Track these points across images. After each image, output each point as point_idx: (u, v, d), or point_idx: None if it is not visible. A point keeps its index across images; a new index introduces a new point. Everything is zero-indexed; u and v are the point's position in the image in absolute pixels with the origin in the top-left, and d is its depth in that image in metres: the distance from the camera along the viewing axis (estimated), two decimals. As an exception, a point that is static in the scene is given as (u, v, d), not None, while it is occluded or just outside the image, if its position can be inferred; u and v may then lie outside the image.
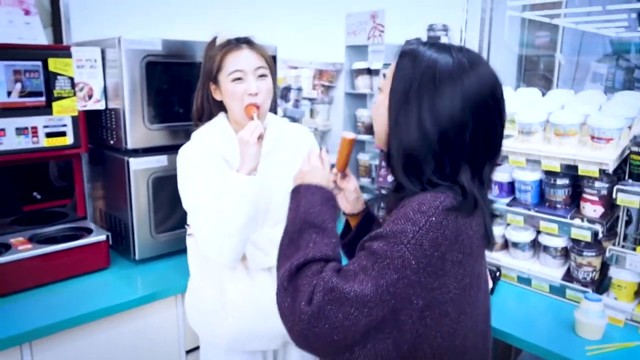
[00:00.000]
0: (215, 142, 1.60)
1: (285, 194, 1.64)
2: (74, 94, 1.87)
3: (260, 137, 1.42)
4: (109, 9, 2.33)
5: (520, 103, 1.97)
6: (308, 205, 1.04)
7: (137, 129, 1.90)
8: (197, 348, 1.87)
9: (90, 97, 1.92)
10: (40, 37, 1.94)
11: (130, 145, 1.89)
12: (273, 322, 1.59)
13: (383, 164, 2.24)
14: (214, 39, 1.60)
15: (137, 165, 1.90)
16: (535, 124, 1.83)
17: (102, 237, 1.91)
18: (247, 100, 1.51)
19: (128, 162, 1.89)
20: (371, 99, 2.44)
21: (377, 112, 1.05)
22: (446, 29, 2.20)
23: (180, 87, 2.01)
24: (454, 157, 0.94)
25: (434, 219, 0.87)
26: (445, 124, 0.92)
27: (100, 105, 1.94)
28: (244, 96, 1.51)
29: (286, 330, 0.93)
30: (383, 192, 2.15)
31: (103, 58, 1.93)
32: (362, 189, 2.52)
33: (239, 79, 1.51)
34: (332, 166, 1.28)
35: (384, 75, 1.06)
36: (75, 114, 1.89)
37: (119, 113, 1.89)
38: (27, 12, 1.94)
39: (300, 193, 1.10)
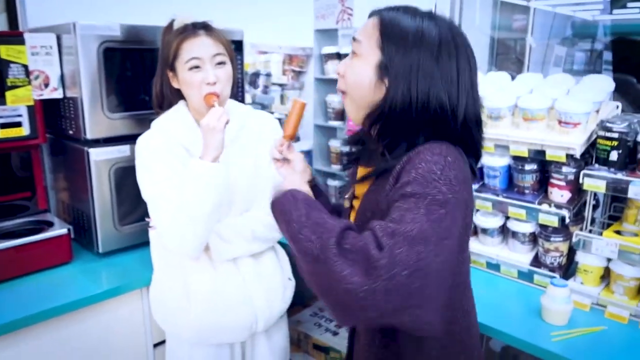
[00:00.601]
0: (175, 130, 1.55)
1: (248, 183, 1.62)
2: (29, 83, 1.80)
3: (227, 123, 1.38)
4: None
5: (490, 87, 1.94)
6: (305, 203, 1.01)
7: (97, 118, 1.83)
8: (164, 341, 1.84)
9: (46, 85, 1.84)
10: (-10, 22, 1.85)
11: (89, 135, 1.82)
12: (239, 314, 1.57)
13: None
14: (171, 23, 1.54)
15: (98, 156, 1.84)
16: (504, 109, 1.81)
17: (64, 231, 1.85)
18: (205, 90, 1.46)
19: (88, 153, 1.83)
20: (341, 84, 2.39)
21: (359, 75, 1.02)
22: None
23: (142, 74, 1.94)
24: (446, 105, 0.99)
25: (449, 158, 0.93)
26: (445, 79, 0.98)
27: (58, 94, 1.87)
28: (201, 85, 1.46)
29: (361, 299, 0.81)
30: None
31: (59, 44, 1.85)
32: (334, 176, 2.49)
33: (196, 67, 1.46)
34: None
35: (354, 39, 1.05)
36: (31, 103, 1.81)
37: (77, 102, 1.82)
38: (-25, -3, 1.84)
39: (296, 195, 1.04)
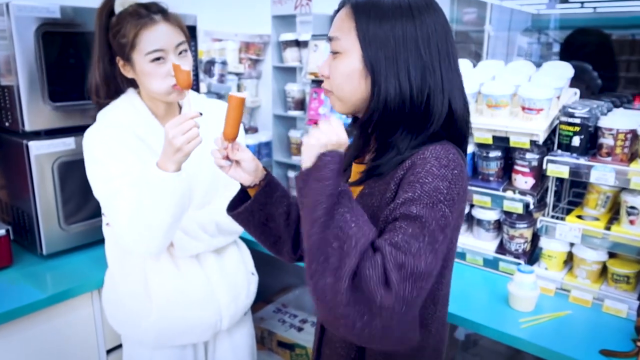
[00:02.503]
0: (127, 121, 1.43)
1: (209, 175, 1.52)
2: (-44, 69, 1.62)
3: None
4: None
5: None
6: (334, 182, 0.88)
7: (37, 109, 1.68)
8: (119, 346, 1.72)
9: (-23, 72, 1.67)
10: None
11: (28, 127, 1.67)
12: (203, 312, 1.51)
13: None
14: (109, 2, 1.39)
15: (39, 150, 1.69)
16: (467, 96, 1.78)
17: (1, 232, 1.69)
18: (171, 81, 1.35)
19: (27, 146, 1.67)
20: (300, 72, 2.32)
21: (346, 76, 0.96)
22: None
23: (86, 60, 1.79)
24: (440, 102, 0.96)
25: (456, 171, 0.90)
26: (437, 62, 0.94)
27: (-10, 82, 1.70)
28: (166, 77, 1.35)
29: (360, 330, 0.81)
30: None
31: (-10, 27, 1.67)
32: (294, 167, 2.42)
33: (159, 59, 1.35)
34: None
35: (330, 39, 0.98)
36: (-40, 92, 1.64)
37: (12, 91, 1.66)
38: None
39: (326, 165, 0.89)
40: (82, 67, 1.79)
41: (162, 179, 1.23)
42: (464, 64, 2.04)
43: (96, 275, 1.65)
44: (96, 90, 1.45)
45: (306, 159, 0.90)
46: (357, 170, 1.07)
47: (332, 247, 0.83)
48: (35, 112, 1.67)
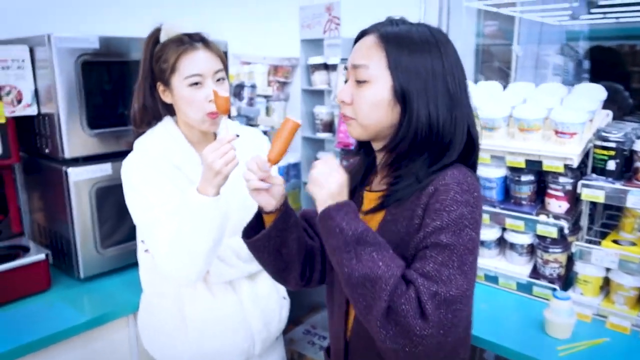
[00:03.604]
0: (164, 149, 1.46)
1: (243, 201, 1.54)
2: (0, 99, 1.68)
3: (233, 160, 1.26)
4: (38, 2, 2.11)
5: (482, 97, 1.92)
6: (352, 227, 0.92)
7: (76, 136, 1.72)
8: (153, 370, 1.74)
9: (19, 101, 1.72)
10: (-43, 35, 1.72)
11: (68, 154, 1.72)
12: (236, 338, 1.51)
13: (344, 162, 2.15)
14: (156, 32, 1.44)
15: (78, 176, 1.73)
16: (499, 119, 1.79)
17: (41, 257, 1.73)
18: (207, 108, 1.38)
19: (67, 173, 1.72)
20: (329, 95, 2.34)
21: (373, 105, 0.97)
22: (404, 22, 2.13)
23: (123, 88, 1.85)
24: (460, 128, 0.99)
25: (476, 194, 0.94)
26: (460, 93, 0.98)
27: (32, 111, 1.75)
28: (204, 103, 1.38)
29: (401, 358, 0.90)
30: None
31: (32, 58, 1.73)
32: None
33: (196, 83, 1.38)
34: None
35: (355, 66, 0.99)
36: (3, 121, 1.69)
37: (53, 118, 1.71)
38: (-61, 7, 1.72)
39: (335, 218, 0.93)
40: (118, 94, 1.84)
41: (203, 204, 1.25)
42: (493, 87, 2.04)
43: (131, 299, 1.68)
44: (136, 117, 1.49)
45: (320, 207, 0.96)
46: (370, 197, 1.08)
47: (364, 288, 0.88)
48: (74, 139, 1.72)
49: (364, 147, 1.13)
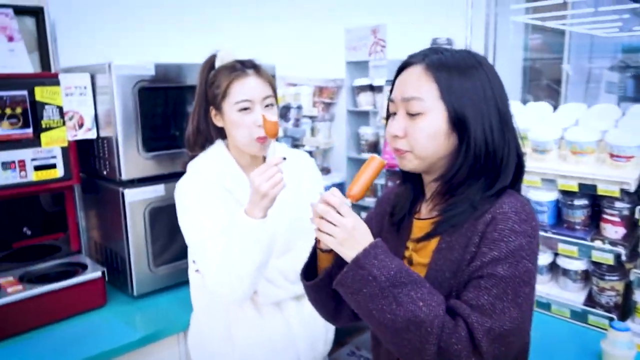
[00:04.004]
0: (215, 172, 1.50)
1: (290, 224, 1.57)
2: (63, 124, 1.77)
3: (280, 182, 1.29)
4: (97, 31, 2.24)
5: (531, 119, 1.89)
6: (384, 271, 0.90)
7: (132, 158, 1.80)
8: (202, 388, 1.77)
9: (80, 125, 1.82)
10: (25, 64, 1.84)
11: (124, 175, 1.79)
12: (282, 359, 1.51)
13: (389, 183, 2.15)
14: (212, 59, 1.50)
15: (133, 197, 1.80)
16: (550, 142, 1.75)
17: (98, 274, 1.80)
18: (255, 133, 1.42)
19: (123, 194, 1.79)
20: (374, 116, 2.35)
21: (431, 136, 0.96)
22: (450, 42, 2.12)
23: (176, 112, 1.92)
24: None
25: (534, 223, 0.93)
26: (508, 114, 0.98)
27: (92, 134, 1.84)
28: (252, 127, 1.42)
29: None
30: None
31: (93, 84, 1.83)
32: (367, 209, 2.43)
33: (246, 108, 1.42)
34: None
35: (407, 99, 0.97)
36: (65, 144, 1.79)
37: (111, 142, 1.80)
38: (10, 39, 1.84)
39: (364, 266, 0.91)
40: (171, 118, 1.91)
41: (250, 226, 1.28)
42: (543, 108, 2.00)
43: (182, 317, 1.72)
44: (190, 140, 1.54)
45: (346, 257, 0.93)
46: (420, 225, 1.06)
47: (409, 332, 0.86)
48: (130, 162, 1.80)
49: (410, 178, 1.09)
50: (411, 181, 1.11)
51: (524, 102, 2.13)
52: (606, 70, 2.50)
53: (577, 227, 1.74)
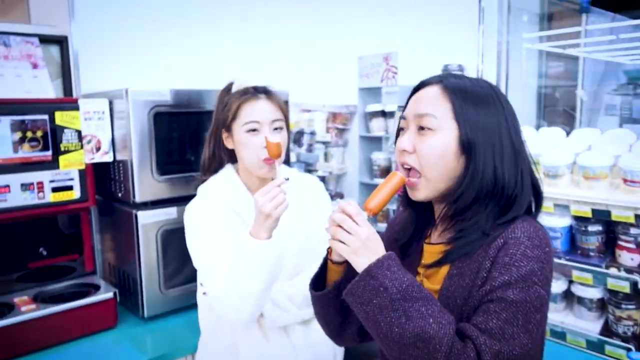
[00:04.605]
0: (223, 195, 1.53)
1: (299, 247, 1.57)
2: (81, 147, 1.83)
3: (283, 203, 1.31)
4: (118, 59, 2.32)
5: (544, 144, 1.87)
6: (396, 283, 0.89)
7: (146, 181, 1.84)
8: (209, 412, 1.75)
9: (98, 149, 1.87)
10: (48, 90, 1.91)
11: (138, 198, 1.83)
12: (288, 384, 1.50)
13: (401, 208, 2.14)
14: (230, 85, 1.55)
15: (146, 219, 1.83)
16: (562, 167, 1.73)
17: (109, 295, 1.83)
18: (262, 154, 1.44)
19: (136, 216, 1.82)
20: (386, 141, 2.37)
21: (439, 154, 0.95)
22: (462, 69, 2.14)
23: (189, 137, 1.97)
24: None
25: (547, 249, 0.91)
26: (521, 146, 0.98)
27: (108, 158, 1.89)
28: (259, 148, 1.45)
29: None
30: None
31: (111, 109, 1.89)
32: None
33: (253, 130, 1.45)
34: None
35: (420, 115, 0.97)
36: (83, 167, 1.84)
37: (126, 165, 1.84)
38: (35, 66, 1.92)
39: (376, 276, 0.90)
40: (185, 143, 1.96)
41: (254, 247, 1.28)
42: (556, 133, 1.99)
43: (191, 340, 1.72)
44: (205, 164, 1.58)
45: (354, 263, 0.92)
46: (430, 250, 1.05)
47: (416, 348, 0.85)
48: (144, 185, 1.83)
49: (415, 203, 1.06)
50: (417, 206, 1.09)
51: (538, 127, 2.12)
52: (607, 94, 2.49)
53: (592, 253, 1.70)
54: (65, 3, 2.15)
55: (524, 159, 0.98)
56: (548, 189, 1.74)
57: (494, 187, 0.94)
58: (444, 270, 1.00)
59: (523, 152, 0.98)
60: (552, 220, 1.75)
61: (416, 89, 1.03)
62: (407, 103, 1.04)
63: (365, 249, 0.92)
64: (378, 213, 1.03)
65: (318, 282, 1.13)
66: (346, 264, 1.08)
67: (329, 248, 1.07)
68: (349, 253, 0.94)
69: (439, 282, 1.00)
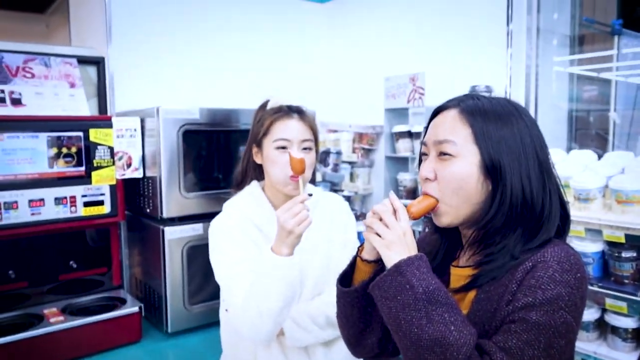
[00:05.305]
0: (248, 211, 1.54)
1: (321, 266, 1.56)
2: (113, 163, 1.88)
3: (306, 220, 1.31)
4: (152, 80, 2.39)
5: (575, 167, 1.83)
6: (423, 284, 0.87)
7: (173, 198, 1.87)
8: None
9: (129, 165, 1.92)
10: (83, 108, 1.99)
11: (165, 214, 1.86)
12: (308, 405, 1.47)
13: (427, 229, 2.11)
14: (265, 103, 1.58)
15: (172, 235, 1.86)
16: (594, 190, 1.68)
17: (135, 309, 1.85)
18: (289, 171, 1.45)
19: (163, 231, 1.86)
20: (412, 162, 2.36)
21: (461, 180, 0.92)
22: (489, 90, 2.12)
23: (217, 155, 2.00)
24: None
25: (579, 275, 0.86)
26: (549, 164, 0.94)
27: (138, 174, 1.94)
28: (286, 166, 1.46)
29: None
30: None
31: (142, 127, 1.95)
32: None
33: (283, 147, 1.47)
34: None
35: (440, 142, 0.94)
36: (114, 182, 1.89)
37: (155, 181, 1.89)
38: (72, 85, 2.00)
39: (405, 273, 0.88)
40: (211, 160, 1.99)
41: (275, 263, 1.28)
42: (587, 156, 1.94)
43: (213, 357, 1.71)
44: (238, 178, 1.59)
45: (386, 256, 0.89)
46: (458, 274, 1.02)
47: (433, 353, 0.82)
48: (171, 201, 1.87)
49: (440, 227, 1.02)
50: (444, 230, 1.08)
51: (569, 150, 2.08)
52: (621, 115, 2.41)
53: (626, 280, 1.63)
54: (103, 27, 2.25)
55: (552, 178, 0.95)
56: (579, 212, 1.69)
57: (524, 208, 0.91)
58: (471, 294, 0.97)
59: (550, 170, 0.95)
60: (584, 245, 1.70)
61: (435, 113, 1.02)
62: (426, 128, 1.03)
63: (399, 244, 0.90)
64: (418, 219, 1.00)
65: (345, 280, 1.09)
66: (375, 264, 1.05)
67: (360, 246, 1.05)
68: (381, 246, 0.91)
69: (466, 307, 0.97)
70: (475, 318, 0.94)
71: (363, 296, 1.02)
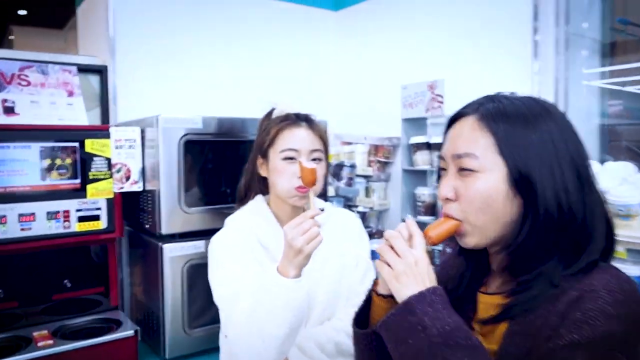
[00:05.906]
0: (252, 227, 1.41)
1: (331, 288, 1.42)
2: (111, 176, 1.77)
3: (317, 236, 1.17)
4: (155, 89, 2.31)
5: (611, 179, 1.66)
6: (437, 324, 0.74)
7: (173, 213, 1.75)
8: None
9: (127, 178, 1.81)
10: (82, 117, 1.89)
11: (164, 230, 1.74)
12: None
13: (447, 249, 1.95)
14: (271, 111, 1.47)
15: (171, 252, 1.74)
16: (635, 206, 1.52)
17: (130, 333, 1.72)
18: (296, 182, 1.33)
19: (162, 249, 1.73)
20: (431, 175, 2.21)
21: (487, 198, 0.79)
22: (504, 96, 1.97)
23: (222, 167, 1.88)
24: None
25: (634, 306, 0.73)
26: (589, 174, 0.81)
27: (138, 187, 1.83)
28: (293, 177, 1.34)
29: None
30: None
31: (143, 137, 1.84)
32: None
33: (290, 158, 1.34)
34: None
35: (459, 156, 0.82)
36: (111, 196, 1.78)
37: (154, 195, 1.77)
38: (70, 94, 1.91)
39: (415, 311, 0.76)
40: (215, 173, 1.87)
41: (282, 285, 1.14)
42: (625, 168, 1.77)
43: (212, 387, 1.58)
44: (242, 192, 1.48)
45: (395, 290, 0.77)
46: (487, 302, 0.87)
47: None
48: (171, 216, 1.75)
49: (465, 249, 0.90)
50: (470, 253, 0.91)
51: (602, 162, 1.91)
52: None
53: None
54: (107, 37, 2.18)
55: (593, 189, 0.80)
56: (619, 231, 1.50)
57: (561, 227, 0.77)
58: (502, 327, 0.82)
59: (591, 180, 0.80)
60: (625, 269, 1.50)
61: (451, 121, 0.86)
62: (444, 139, 0.89)
63: (409, 275, 0.77)
64: (437, 244, 0.87)
65: (361, 318, 0.95)
66: (393, 299, 0.87)
67: (376, 278, 0.92)
68: (390, 278, 0.79)
69: (496, 342, 0.81)
70: (507, 355, 0.78)
71: (382, 337, 0.85)
